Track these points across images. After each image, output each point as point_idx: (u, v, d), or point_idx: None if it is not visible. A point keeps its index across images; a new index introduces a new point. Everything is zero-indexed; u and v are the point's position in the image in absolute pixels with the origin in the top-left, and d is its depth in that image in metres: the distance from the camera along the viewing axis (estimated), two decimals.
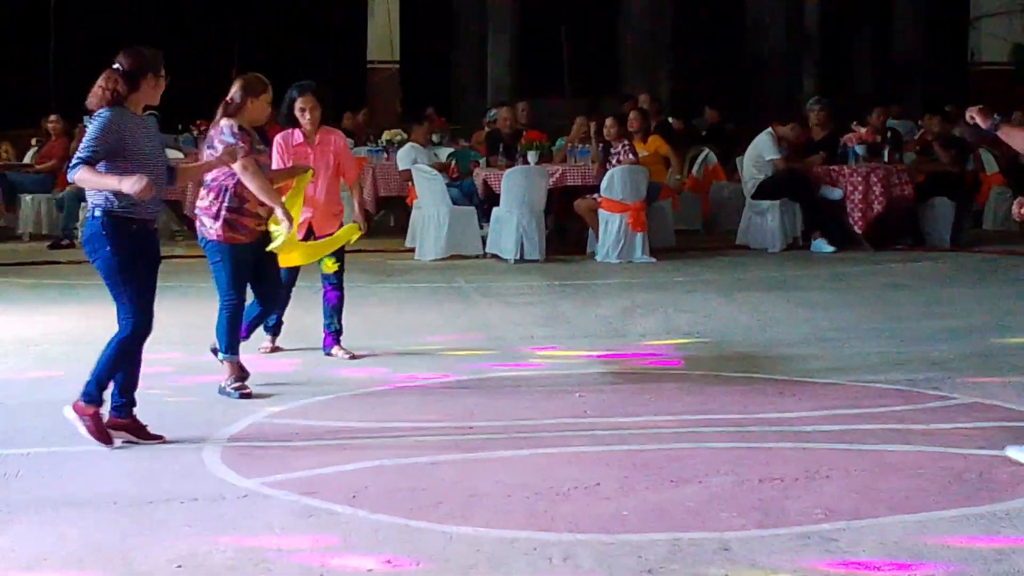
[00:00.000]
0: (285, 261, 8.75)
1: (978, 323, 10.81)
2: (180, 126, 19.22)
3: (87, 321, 10.93)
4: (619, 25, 28.28)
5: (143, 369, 7.59)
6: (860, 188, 14.82)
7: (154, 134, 7.47)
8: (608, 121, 14.98)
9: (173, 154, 16.77)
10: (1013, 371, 9.01)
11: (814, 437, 7.38)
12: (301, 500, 6.31)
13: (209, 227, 8.38)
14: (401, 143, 16.70)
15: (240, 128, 8.30)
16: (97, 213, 7.24)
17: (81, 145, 7.20)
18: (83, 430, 7.25)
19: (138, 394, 7.59)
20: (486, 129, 17.49)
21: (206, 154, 8.36)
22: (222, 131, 8.28)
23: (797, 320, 11.05)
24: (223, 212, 8.33)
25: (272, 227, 8.43)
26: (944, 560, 5.46)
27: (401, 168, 15.81)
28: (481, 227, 14.73)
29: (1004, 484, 6.49)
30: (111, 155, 7.10)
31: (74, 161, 7.13)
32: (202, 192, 8.48)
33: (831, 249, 14.74)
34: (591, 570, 5.40)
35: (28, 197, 17.09)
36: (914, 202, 15.28)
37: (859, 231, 14.91)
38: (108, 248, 7.21)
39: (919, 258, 14.48)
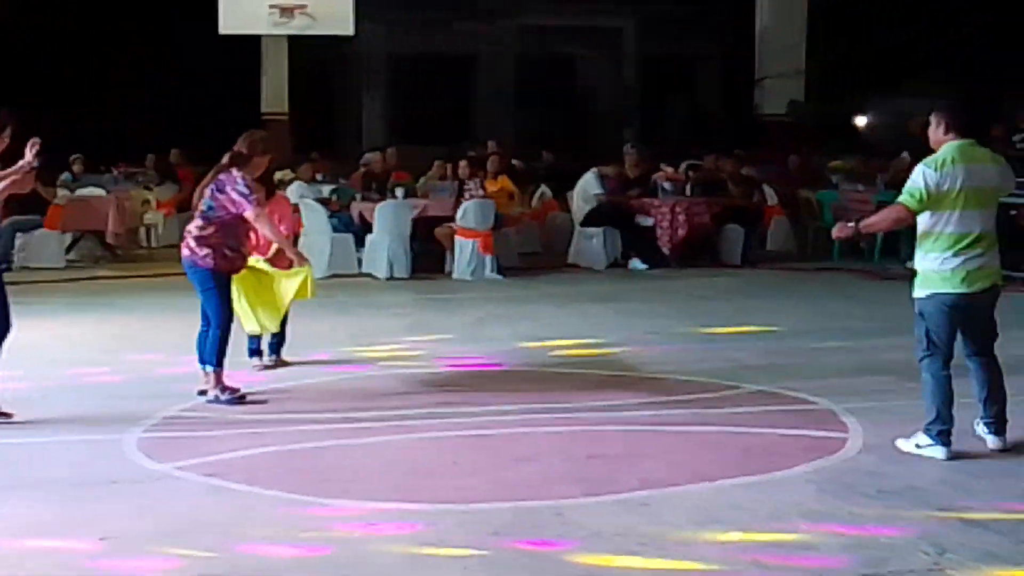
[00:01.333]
0: (300, 295, 8.73)
1: (765, 326, 10.95)
2: (102, 167, 18.92)
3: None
4: (472, 86, 28.41)
5: (73, 370, 7.52)
6: (668, 217, 15.00)
7: None
8: (462, 163, 15.02)
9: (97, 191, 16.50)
10: (792, 365, 9.18)
11: (632, 421, 7.47)
12: (208, 481, 6.26)
13: (203, 256, 7.97)
14: (290, 182, 16.52)
15: (250, 179, 8.02)
16: None
17: None
18: None
19: (69, 391, 7.55)
20: (362, 170, 17.42)
21: (217, 197, 7.93)
22: (236, 181, 7.89)
23: (619, 326, 11.12)
24: (224, 248, 7.98)
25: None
26: (733, 518, 5.58)
27: (291, 202, 15.65)
28: (357, 251, 14.65)
29: (782, 456, 6.63)
30: None
31: None
32: (200, 222, 7.97)
33: (645, 267, 14.88)
34: (449, 534, 5.43)
35: None
36: (712, 228, 15.48)
37: (668, 252, 15.08)
38: None
39: (717, 274, 14.66)
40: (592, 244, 15.18)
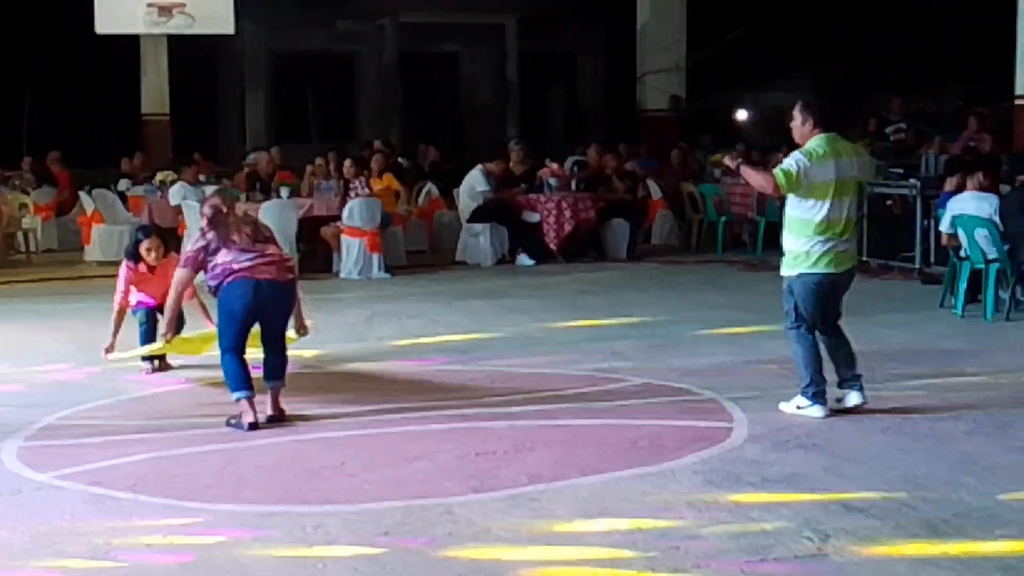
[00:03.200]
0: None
1: (650, 319, 11.07)
2: None
3: None
4: (355, 82, 28.25)
5: None
6: (554, 213, 15.05)
7: None
8: (347, 162, 14.90)
9: None
10: (677, 356, 9.26)
11: (520, 416, 7.47)
12: (89, 489, 6.13)
13: None
14: (173, 183, 16.27)
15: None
16: None
17: None
18: None
19: None
20: (246, 170, 17.22)
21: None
22: None
23: (507, 322, 11.11)
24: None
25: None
26: (622, 510, 5.62)
27: (173, 204, 15.40)
28: None
29: (669, 447, 6.69)
30: None
31: None
32: None
33: (532, 263, 14.91)
34: (338, 535, 5.38)
35: None
36: (596, 223, 15.57)
37: (554, 248, 15.13)
38: None
39: (602, 268, 14.75)
40: (479, 241, 15.17)
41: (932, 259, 12.48)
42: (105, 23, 20.21)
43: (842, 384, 7.43)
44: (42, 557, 5.15)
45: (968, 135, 15.57)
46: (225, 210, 7.81)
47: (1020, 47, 13.36)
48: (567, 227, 15.08)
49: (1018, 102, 13.60)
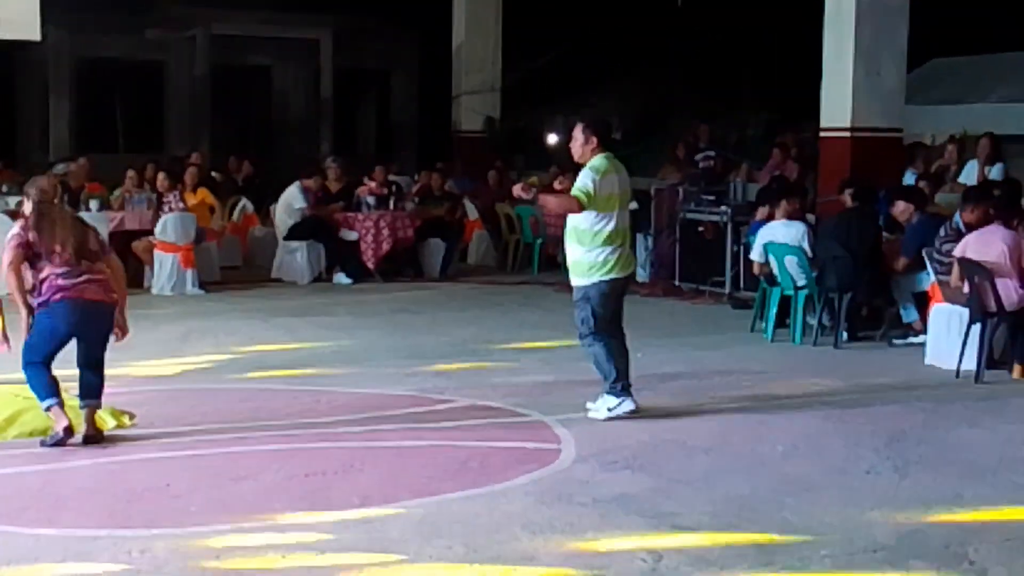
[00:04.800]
0: None
1: (469, 338, 11.10)
2: None
3: None
4: (165, 92, 27.62)
5: None
6: (372, 231, 14.97)
7: None
8: (160, 175, 14.54)
9: None
10: (497, 376, 9.31)
11: (346, 437, 7.41)
12: None
13: None
14: None
15: None
16: None
17: None
18: None
19: None
20: (54, 180, 16.62)
21: None
22: None
23: (324, 339, 11.02)
24: None
25: None
26: (455, 531, 5.61)
27: None
28: None
29: (499, 468, 6.73)
30: None
31: None
32: None
33: (350, 281, 14.79)
34: (166, 560, 5.24)
35: None
36: (414, 242, 15.56)
37: (371, 266, 15.05)
38: None
39: (419, 287, 14.72)
40: (296, 258, 14.99)
41: (742, 284, 12.83)
42: None
43: (607, 385, 7.87)
44: None
45: (773, 164, 16.07)
46: (53, 198, 7.53)
47: (825, 79, 13.87)
48: (385, 245, 15.02)
49: (823, 134, 14.11)
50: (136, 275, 14.23)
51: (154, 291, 13.85)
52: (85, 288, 7.23)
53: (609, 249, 7.75)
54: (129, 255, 14.22)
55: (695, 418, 7.96)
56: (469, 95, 22.28)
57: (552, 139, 29.11)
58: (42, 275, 7.23)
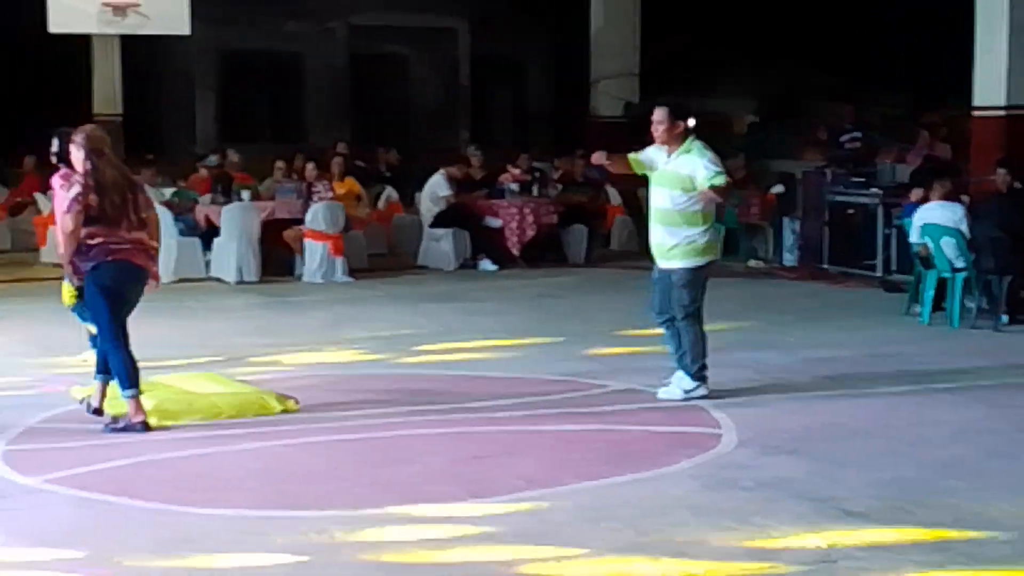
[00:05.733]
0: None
1: (617, 323, 11.08)
2: None
3: None
4: (305, 84, 28.06)
5: None
6: (516, 218, 15.05)
7: None
8: (310, 165, 14.82)
9: None
10: (650, 360, 9.27)
11: (507, 421, 7.48)
12: (79, 493, 6.06)
13: None
14: None
15: None
16: None
17: None
18: None
19: None
20: (204, 172, 17.05)
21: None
22: None
23: (471, 326, 11.10)
24: None
25: None
26: (624, 514, 5.63)
27: None
28: (204, 254, 14.34)
29: (660, 453, 6.73)
30: None
31: None
32: None
33: (494, 268, 14.91)
34: (342, 540, 5.36)
35: None
36: (557, 228, 15.60)
37: (515, 253, 15.14)
38: None
39: (563, 273, 14.76)
40: (441, 245, 15.14)
41: (893, 267, 12.62)
42: (58, 22, 19.88)
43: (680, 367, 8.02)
44: (39, 563, 5.08)
45: (922, 145, 15.77)
46: (104, 151, 7.35)
47: (977, 56, 13.51)
48: (529, 232, 15.09)
49: (976, 113, 13.75)
50: (286, 263, 14.54)
51: (304, 279, 14.11)
52: (133, 252, 7.29)
53: (713, 230, 8.02)
54: (279, 243, 14.54)
55: (854, 401, 7.87)
56: (607, 80, 22.21)
57: (691, 123, 29.01)
58: (93, 240, 7.22)
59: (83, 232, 7.22)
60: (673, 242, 7.92)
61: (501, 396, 8.11)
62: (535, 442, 6.99)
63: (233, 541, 5.32)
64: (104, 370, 7.40)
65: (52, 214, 15.89)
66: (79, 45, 22.03)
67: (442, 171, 15.34)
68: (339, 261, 14.09)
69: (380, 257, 15.89)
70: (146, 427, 7.19)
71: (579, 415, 7.60)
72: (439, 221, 15.11)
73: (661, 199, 7.99)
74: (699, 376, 7.93)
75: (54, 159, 8.27)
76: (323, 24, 26.98)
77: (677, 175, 7.89)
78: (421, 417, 7.54)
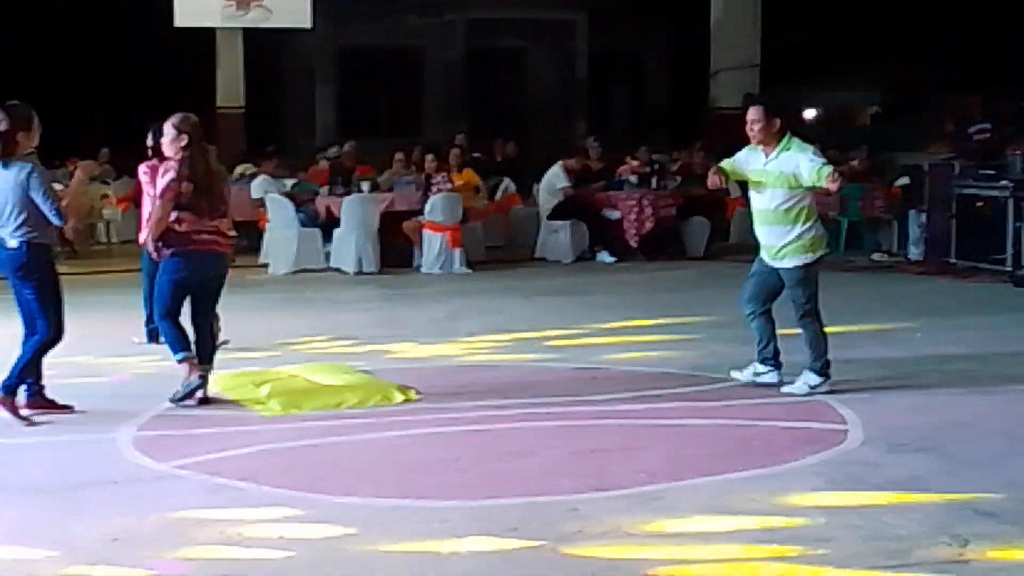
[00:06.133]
0: None
1: (737, 317, 10.91)
2: (57, 162, 18.56)
3: None
4: (423, 77, 28.26)
5: (47, 370, 7.60)
6: (634, 210, 15.00)
7: None
8: (428, 157, 14.95)
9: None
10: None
11: (626, 414, 7.44)
12: (209, 479, 6.16)
13: None
14: (252, 176, 16.38)
15: None
16: (26, 244, 7.13)
17: (49, 200, 7.13)
18: (4, 413, 7.11)
19: (49, 391, 7.47)
20: (324, 164, 17.27)
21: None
22: None
23: (590, 319, 11.06)
24: None
25: None
26: (748, 510, 5.56)
27: (255, 197, 15.50)
28: (324, 245, 14.53)
29: (783, 448, 6.64)
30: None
31: (56, 215, 7.16)
32: None
33: (612, 260, 14.88)
34: (466, 530, 5.36)
35: None
36: (675, 220, 15.50)
37: (634, 245, 15.08)
38: (41, 272, 7.14)
39: (682, 266, 14.69)
40: (559, 237, 15.15)
41: None
42: (184, 16, 20.35)
43: (766, 360, 8.11)
44: (171, 547, 5.17)
45: None
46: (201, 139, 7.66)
47: None
48: (648, 224, 15.02)
49: None
50: (405, 254, 14.67)
51: (423, 270, 14.23)
52: (214, 242, 7.67)
53: (820, 226, 7.94)
54: (398, 235, 14.67)
55: (983, 399, 7.69)
56: (727, 72, 22.00)
57: (810, 114, 28.59)
58: (180, 226, 7.58)
59: (172, 216, 7.58)
60: (782, 242, 7.87)
61: (620, 390, 8.07)
62: (655, 436, 6.95)
63: (360, 529, 5.36)
64: (208, 359, 7.77)
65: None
66: (204, 39, 22.43)
67: (560, 163, 15.34)
68: (457, 253, 14.18)
69: (497, 249, 15.96)
70: (203, 381, 7.67)
71: (699, 409, 7.52)
72: (557, 213, 15.11)
73: (764, 200, 7.92)
74: (824, 372, 7.87)
75: (149, 152, 8.58)
76: (442, 18, 27.13)
77: (780, 174, 7.79)
78: (540, 409, 7.54)
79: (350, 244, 14.08)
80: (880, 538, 5.16)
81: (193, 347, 7.73)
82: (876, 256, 14.86)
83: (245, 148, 21.16)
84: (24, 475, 6.29)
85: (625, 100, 29.60)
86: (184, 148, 7.56)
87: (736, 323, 10.57)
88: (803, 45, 27.32)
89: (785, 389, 7.86)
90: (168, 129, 7.69)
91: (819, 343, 7.89)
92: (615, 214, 15.09)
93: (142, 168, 9.40)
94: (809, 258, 7.85)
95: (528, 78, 28.88)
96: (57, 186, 15.67)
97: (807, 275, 7.87)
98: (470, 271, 14.12)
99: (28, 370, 7.28)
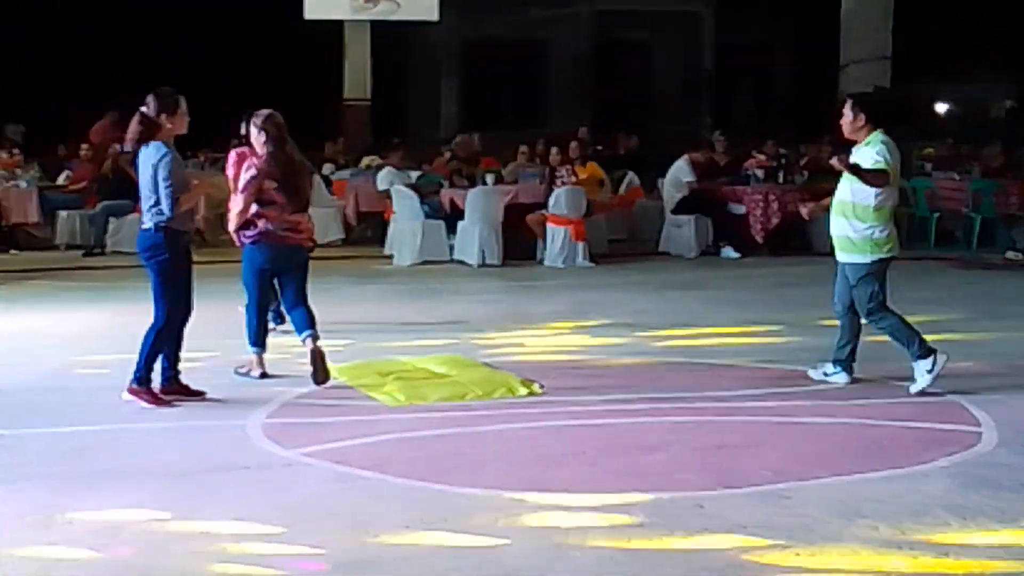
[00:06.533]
0: None
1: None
2: (188, 152, 18.96)
3: (118, 317, 10.75)
4: (548, 70, 28.28)
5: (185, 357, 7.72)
6: (760, 204, 14.84)
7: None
8: (552, 150, 14.92)
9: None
10: (902, 354, 8.99)
11: (753, 411, 7.37)
12: (336, 468, 6.24)
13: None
14: (378, 167, 16.55)
15: None
16: (154, 227, 7.26)
17: (167, 187, 7.23)
18: (145, 404, 7.26)
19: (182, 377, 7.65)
20: (447, 156, 17.38)
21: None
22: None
23: (714, 314, 10.99)
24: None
25: None
26: (878, 512, 5.47)
27: (381, 188, 15.66)
28: (448, 237, 14.62)
29: (915, 449, 6.52)
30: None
31: (168, 203, 7.25)
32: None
33: (737, 255, 14.73)
34: (591, 524, 5.36)
35: (63, 213, 16.72)
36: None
37: (759, 240, 14.92)
38: (166, 256, 7.26)
39: (808, 262, 14.42)
40: (683, 232, 15.05)
41: None
42: (314, 9, 20.65)
43: (842, 361, 8.01)
44: (301, 533, 5.25)
45: None
46: (283, 136, 7.90)
47: None
48: (774, 219, 14.84)
49: None
50: (528, 247, 14.69)
51: (546, 263, 14.24)
52: (290, 235, 8.00)
53: (889, 225, 7.80)
54: (521, 227, 14.70)
55: None
56: (856, 64, 21.62)
57: (940, 109, 27.99)
58: (259, 219, 7.94)
59: (252, 210, 7.92)
60: (847, 234, 7.87)
61: (745, 386, 8.00)
62: (782, 433, 6.87)
63: (485, 521, 5.39)
64: (309, 325, 8.00)
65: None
66: (332, 32, 22.71)
67: (685, 156, 15.24)
68: (580, 246, 14.16)
69: (621, 243, 15.89)
70: (263, 376, 8.12)
71: (827, 407, 7.42)
72: (681, 207, 15.01)
73: (842, 190, 7.90)
74: (925, 351, 7.70)
75: (243, 140, 8.77)
76: (567, 10, 27.13)
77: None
78: (664, 404, 7.50)
79: (474, 236, 14.14)
80: (1019, 546, 5.04)
81: (266, 342, 8.32)
82: (1010, 255, 14.49)
83: (371, 140, 21.40)
84: (159, 458, 6.44)
85: (751, 93, 29.31)
86: (266, 144, 7.90)
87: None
88: (936, 37, 26.76)
89: (913, 388, 7.70)
90: (253, 127, 8.02)
91: (902, 332, 7.80)
92: (740, 209, 14.94)
93: (232, 154, 9.67)
94: (871, 256, 7.77)
95: (653, 70, 28.75)
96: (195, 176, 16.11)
97: (867, 273, 7.80)
98: (593, 264, 14.09)
99: (151, 357, 7.42)
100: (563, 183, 14.34)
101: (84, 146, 17.52)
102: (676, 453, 6.48)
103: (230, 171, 9.60)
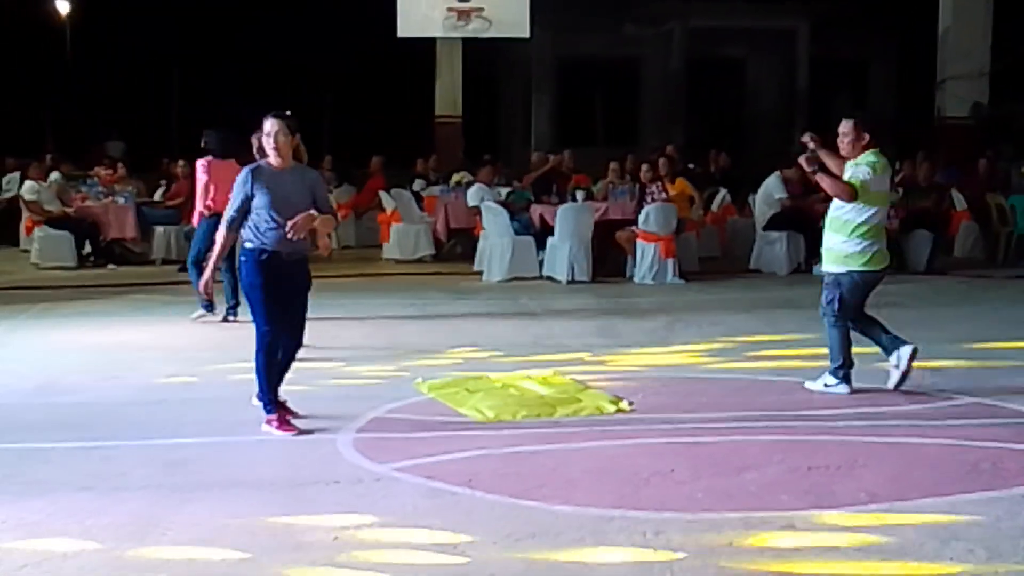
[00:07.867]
0: None
1: (963, 334, 10.65)
2: None
3: (214, 332, 10.93)
4: (640, 87, 28.24)
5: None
6: None
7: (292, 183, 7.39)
8: (643, 167, 14.89)
9: None
10: (1000, 375, 8.88)
11: (847, 431, 7.29)
12: (426, 483, 6.26)
13: None
14: (469, 184, 16.64)
15: None
16: (240, 247, 7.35)
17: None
18: (279, 433, 7.22)
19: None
20: (535, 172, 17.42)
21: None
22: None
23: (808, 332, 10.83)
24: None
25: None
26: (976, 535, 5.38)
27: (471, 204, 15.75)
28: (538, 254, 14.65)
29: (1015, 472, 6.39)
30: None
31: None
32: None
33: None
34: (680, 544, 5.33)
35: (160, 229, 17.03)
36: (898, 233, 15.09)
37: None
38: (247, 277, 7.29)
39: (902, 280, 14.24)
40: (775, 249, 14.93)
41: None
42: (406, 27, 20.83)
43: (891, 349, 8.31)
44: (392, 548, 5.28)
45: None
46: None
47: None
48: None
49: None
50: (618, 264, 14.67)
51: (636, 280, 14.20)
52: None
53: (868, 242, 8.11)
54: (611, 244, 14.68)
55: None
56: (955, 80, 21.34)
57: None
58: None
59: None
60: (827, 245, 8.33)
61: (841, 406, 7.92)
62: (877, 454, 6.77)
63: (576, 538, 5.39)
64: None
65: (394, 211, 16.67)
66: (424, 50, 22.91)
67: (777, 173, 15.14)
68: (670, 263, 14.11)
69: (711, 260, 15.81)
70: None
71: (924, 428, 7.31)
72: (773, 224, 14.89)
73: (833, 204, 8.29)
74: (842, 376, 8.24)
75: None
76: (660, 27, 27.07)
77: None
78: (757, 424, 7.44)
79: (563, 253, 14.16)
80: None
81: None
82: None
83: (462, 157, 21.52)
84: (253, 471, 6.52)
85: (847, 109, 28.95)
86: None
87: (962, 341, 10.29)
88: None
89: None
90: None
91: (837, 347, 8.25)
92: None
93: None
94: (851, 267, 8.16)
95: (747, 87, 28.61)
96: None
97: (841, 282, 8.22)
98: (683, 281, 14.02)
99: (267, 378, 7.34)
100: (653, 200, 14.31)
101: (180, 162, 17.81)
102: (768, 473, 6.42)
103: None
